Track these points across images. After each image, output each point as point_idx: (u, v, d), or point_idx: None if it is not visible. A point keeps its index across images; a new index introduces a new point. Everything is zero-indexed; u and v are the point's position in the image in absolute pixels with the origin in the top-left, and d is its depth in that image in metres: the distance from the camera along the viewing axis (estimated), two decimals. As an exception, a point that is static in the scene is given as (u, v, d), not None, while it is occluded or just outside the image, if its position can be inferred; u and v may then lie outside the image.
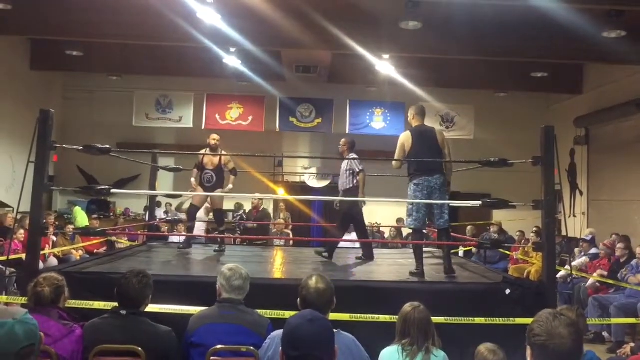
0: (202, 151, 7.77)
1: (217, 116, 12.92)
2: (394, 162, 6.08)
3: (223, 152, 7.80)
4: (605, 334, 7.26)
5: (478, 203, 5.54)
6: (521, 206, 5.89)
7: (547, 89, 13.54)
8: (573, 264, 8.55)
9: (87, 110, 14.12)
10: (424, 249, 8.08)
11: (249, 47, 10.14)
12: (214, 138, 7.74)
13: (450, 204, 6.02)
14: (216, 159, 7.62)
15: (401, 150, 5.87)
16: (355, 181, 7.02)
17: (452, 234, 9.02)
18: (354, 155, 7.18)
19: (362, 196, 6.97)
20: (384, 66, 11.48)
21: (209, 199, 7.88)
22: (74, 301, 4.04)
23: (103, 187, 5.52)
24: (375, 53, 10.63)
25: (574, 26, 8.49)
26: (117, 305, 3.30)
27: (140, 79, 13.79)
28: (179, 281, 5.21)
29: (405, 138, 5.88)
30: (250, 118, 13.06)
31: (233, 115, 13.03)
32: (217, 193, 7.61)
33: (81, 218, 12.13)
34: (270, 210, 15.05)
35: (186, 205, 10.06)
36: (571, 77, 12.99)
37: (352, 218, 7.31)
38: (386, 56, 11.10)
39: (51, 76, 13.71)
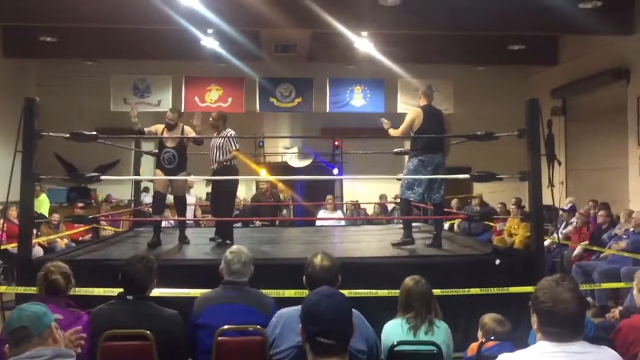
0: (154, 128, 6.72)
1: (197, 99, 12.82)
2: (397, 132, 6.23)
3: (185, 127, 6.73)
4: (589, 299, 7.46)
5: (467, 176, 5.64)
6: (505, 178, 6.02)
7: (524, 61, 13.66)
8: (562, 231, 8.73)
9: (63, 97, 13.81)
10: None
11: (226, 28, 10.05)
12: (169, 116, 6.66)
13: (436, 178, 6.10)
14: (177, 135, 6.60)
15: (409, 124, 6.09)
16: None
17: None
18: (231, 132, 6.78)
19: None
20: (363, 43, 11.48)
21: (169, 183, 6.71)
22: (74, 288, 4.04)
23: (92, 174, 5.50)
24: (354, 30, 10.60)
25: (550, -2, 8.59)
26: (123, 290, 3.32)
27: (116, 64, 13.56)
28: (176, 265, 5.24)
29: (416, 114, 6.10)
30: (229, 100, 12.98)
31: (212, 97, 12.95)
32: (181, 177, 6.70)
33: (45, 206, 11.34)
34: (253, 191, 15.10)
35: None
36: (547, 49, 13.12)
37: (232, 195, 6.96)
38: (365, 33, 11.10)
39: (25, 63, 13.42)
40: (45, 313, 2.44)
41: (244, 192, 14.64)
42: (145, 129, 6.68)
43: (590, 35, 11.00)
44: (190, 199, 7.56)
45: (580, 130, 12.71)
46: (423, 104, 6.24)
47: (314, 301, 2.18)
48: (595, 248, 7.94)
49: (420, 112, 6.07)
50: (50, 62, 13.96)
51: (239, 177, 7.03)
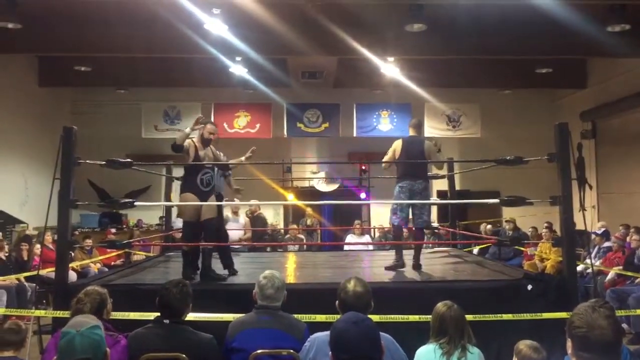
0: (187, 144, 5.69)
1: (225, 125, 13.00)
2: (383, 164, 6.54)
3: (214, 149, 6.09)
4: (624, 325, 7.31)
5: (496, 201, 5.61)
6: (535, 202, 5.98)
7: (552, 85, 13.63)
8: (594, 257, 8.62)
9: (95, 125, 14.07)
10: (438, 249, 8.33)
11: (254, 56, 10.25)
12: (212, 130, 5.91)
13: (466, 203, 6.11)
14: (213, 157, 5.95)
15: (391, 155, 6.40)
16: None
17: (466, 232, 9.19)
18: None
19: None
20: (389, 69, 11.59)
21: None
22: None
23: (126, 200, 5.61)
24: (380, 56, 10.73)
25: (577, 22, 8.59)
26: (159, 315, 3.39)
27: (147, 91, 13.91)
28: (211, 289, 5.29)
29: (396, 145, 6.42)
30: (257, 125, 13.17)
31: (241, 123, 13.15)
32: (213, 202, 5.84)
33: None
34: (281, 216, 15.16)
35: None
36: (575, 72, 13.07)
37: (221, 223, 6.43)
38: (391, 59, 11.21)
39: (59, 92, 13.80)
40: (103, 338, 2.45)
41: (272, 217, 14.73)
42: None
43: (618, 57, 10.95)
44: (236, 223, 7.37)
45: (611, 154, 12.57)
46: (410, 134, 6.56)
47: (342, 329, 2.22)
48: (630, 273, 7.80)
49: (400, 143, 6.38)
50: (84, 91, 14.36)
51: (276, 203, 7.10)
